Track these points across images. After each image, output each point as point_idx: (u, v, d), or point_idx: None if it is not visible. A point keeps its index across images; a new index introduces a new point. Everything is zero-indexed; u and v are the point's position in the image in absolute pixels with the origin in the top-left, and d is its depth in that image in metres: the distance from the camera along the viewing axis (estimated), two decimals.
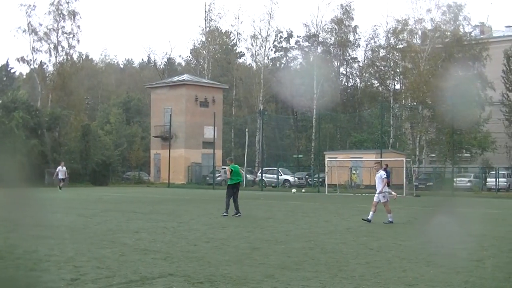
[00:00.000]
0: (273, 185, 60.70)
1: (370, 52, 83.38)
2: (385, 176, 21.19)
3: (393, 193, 41.02)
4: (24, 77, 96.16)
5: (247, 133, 72.28)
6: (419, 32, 68.64)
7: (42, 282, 9.53)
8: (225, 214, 22.65)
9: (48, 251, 12.96)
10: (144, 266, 11.12)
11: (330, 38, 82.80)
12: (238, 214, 22.60)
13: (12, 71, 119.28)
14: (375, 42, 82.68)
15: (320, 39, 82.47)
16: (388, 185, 42.54)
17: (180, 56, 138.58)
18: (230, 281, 9.76)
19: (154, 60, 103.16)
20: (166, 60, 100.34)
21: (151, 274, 10.29)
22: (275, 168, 63.89)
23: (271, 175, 62.39)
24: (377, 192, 20.82)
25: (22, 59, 69.95)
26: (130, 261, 11.68)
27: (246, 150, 71.28)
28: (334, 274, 10.61)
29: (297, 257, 12.54)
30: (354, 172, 56.21)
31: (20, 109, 60.14)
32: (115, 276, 10.07)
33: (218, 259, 12.06)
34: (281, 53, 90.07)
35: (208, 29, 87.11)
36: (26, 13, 67.96)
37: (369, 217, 20.55)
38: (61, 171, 47.29)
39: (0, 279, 9.79)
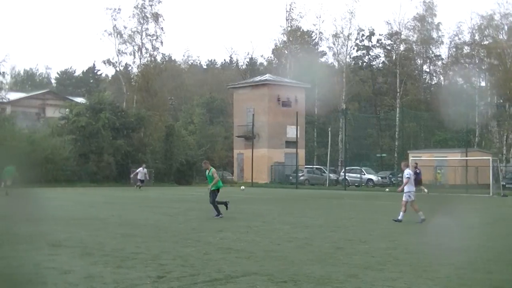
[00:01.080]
0: (356, 184, 60.29)
1: (454, 49, 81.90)
2: (408, 175, 20.86)
3: (425, 190, 40.58)
4: (109, 79, 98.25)
5: (329, 132, 71.99)
6: (506, 28, 66.99)
7: (129, 279, 9.71)
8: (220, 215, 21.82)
9: (135, 249, 13.22)
10: (227, 264, 11.21)
11: (413, 36, 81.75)
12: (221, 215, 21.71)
13: (98, 73, 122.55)
14: (459, 39, 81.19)
15: (402, 36, 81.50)
16: (420, 184, 42.27)
17: (262, 56, 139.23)
18: (313, 281, 9.74)
19: (237, 61, 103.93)
20: (248, 60, 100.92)
21: (234, 273, 10.36)
22: (358, 168, 63.43)
23: (354, 175, 61.99)
24: (404, 191, 20.62)
25: (108, 62, 71.46)
26: (214, 260, 11.79)
27: (329, 149, 71.00)
28: (418, 275, 10.47)
29: (380, 257, 12.43)
30: (438, 171, 55.28)
31: (106, 110, 61.49)
32: (200, 275, 10.18)
33: (301, 259, 12.06)
34: (363, 51, 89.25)
35: (289, 28, 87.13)
36: (112, 16, 69.43)
37: (399, 217, 20.33)
38: (141, 172, 48.25)
39: (89, 274, 10.02)
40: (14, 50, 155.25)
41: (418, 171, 42.70)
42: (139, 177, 48.75)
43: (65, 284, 9.28)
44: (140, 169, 49.20)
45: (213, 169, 22.75)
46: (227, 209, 22.25)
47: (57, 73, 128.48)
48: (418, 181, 42.22)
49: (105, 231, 16.75)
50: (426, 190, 40.20)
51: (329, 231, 17.30)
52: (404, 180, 20.70)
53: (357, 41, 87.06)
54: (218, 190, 22.41)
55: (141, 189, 46.55)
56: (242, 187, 49.87)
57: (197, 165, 68.52)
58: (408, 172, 20.99)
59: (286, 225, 19.11)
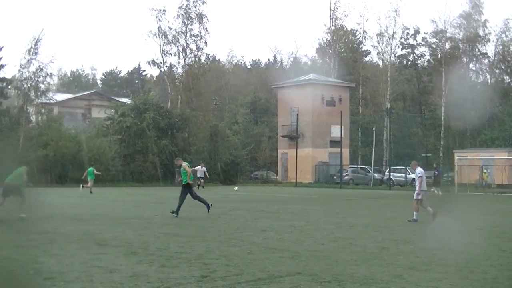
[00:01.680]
0: (401, 184, 59.84)
1: (501, 47, 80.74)
2: (420, 174, 20.95)
3: (439, 192, 40.29)
4: (154, 79, 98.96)
5: (374, 131, 71.60)
6: None
7: (173, 278, 9.78)
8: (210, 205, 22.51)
9: (179, 248, 13.31)
10: (271, 264, 11.22)
11: (459, 34, 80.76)
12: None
13: (143, 74, 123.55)
14: (506, 36, 80.00)
15: (448, 34, 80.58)
16: (439, 185, 42.04)
17: (306, 55, 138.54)
18: (358, 281, 9.71)
19: (281, 60, 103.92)
20: (292, 59, 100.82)
21: (278, 273, 10.36)
22: (403, 167, 62.91)
23: (399, 174, 61.54)
24: (416, 190, 20.73)
25: (153, 62, 71.88)
26: (258, 259, 11.82)
27: (373, 148, 70.62)
28: (464, 276, 10.36)
29: (425, 257, 12.33)
30: (485, 171, 54.59)
31: (151, 110, 62.02)
32: (244, 274, 10.21)
33: (346, 259, 12.03)
34: (408, 50, 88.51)
35: (333, 27, 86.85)
36: (157, 17, 69.93)
37: (414, 217, 20.31)
38: (200, 170, 47.02)
39: (134, 273, 10.13)
40: (60, 52, 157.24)
41: (437, 172, 42.73)
42: (198, 175, 46.97)
43: (111, 283, 9.40)
44: (199, 167, 47.75)
45: (184, 164, 22.64)
46: (174, 212, 21.89)
47: (103, 74, 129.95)
48: (436, 181, 42.32)
49: (149, 231, 16.89)
50: (440, 193, 40.11)
51: (374, 231, 17.22)
52: (418, 180, 20.66)
53: (402, 40, 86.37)
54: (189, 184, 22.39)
55: (204, 188, 45.26)
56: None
57: (242, 165, 68.81)
58: (419, 171, 21.09)
59: (330, 225, 19.08)
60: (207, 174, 48.81)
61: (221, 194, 41.14)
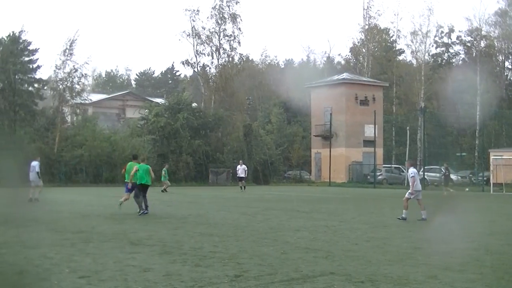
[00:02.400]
0: (435, 184, 59.31)
1: None
2: (413, 174, 20.78)
3: (451, 190, 40.01)
4: (188, 79, 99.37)
5: (408, 131, 71.20)
6: None
7: (206, 278, 9.83)
8: (143, 212, 22.29)
9: (213, 247, 13.36)
10: (305, 264, 11.22)
11: (494, 32, 79.96)
12: (146, 212, 22.18)
13: (177, 74, 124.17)
14: None
15: (483, 33, 79.80)
16: (447, 185, 41.72)
17: (339, 55, 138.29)
18: (392, 281, 9.67)
19: (314, 60, 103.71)
20: (325, 59, 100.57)
21: (312, 273, 10.36)
22: (437, 167, 62.37)
23: (433, 174, 61.02)
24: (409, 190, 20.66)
25: (186, 62, 72.23)
26: (291, 259, 11.82)
27: (407, 148, 70.24)
28: (500, 276, 10.28)
29: (460, 258, 12.23)
30: None
31: (185, 110, 62.28)
32: (277, 274, 10.22)
33: (379, 259, 11.98)
34: (442, 49, 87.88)
35: (367, 26, 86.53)
36: (190, 17, 70.23)
37: (423, 216, 20.24)
38: (241, 169, 46.15)
39: (168, 272, 10.19)
40: (95, 53, 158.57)
41: (447, 172, 42.55)
42: (239, 174, 46.32)
43: (144, 282, 9.47)
44: (238, 166, 47.17)
45: (129, 165, 23.37)
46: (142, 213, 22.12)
47: (137, 74, 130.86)
48: (446, 181, 42.23)
49: (183, 230, 16.98)
50: (450, 190, 40.12)
51: (408, 231, 17.13)
52: (411, 180, 20.58)
53: (436, 38, 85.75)
54: (141, 185, 22.77)
55: (244, 190, 44.45)
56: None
57: (275, 165, 68.77)
58: (412, 171, 20.99)
59: (364, 225, 19.02)
60: (246, 173, 47.65)
61: (255, 194, 41.20)
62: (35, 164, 29.43)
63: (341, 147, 68.60)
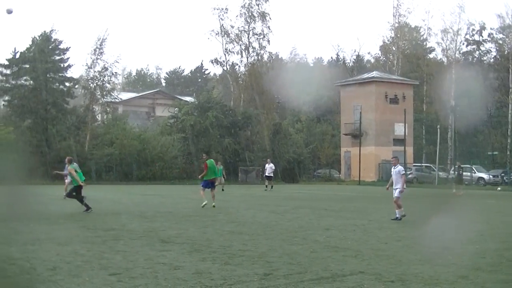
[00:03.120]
0: (466, 183, 58.81)
1: None
2: (403, 172, 20.47)
3: (461, 192, 39.73)
4: (217, 78, 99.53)
5: (438, 129, 70.61)
6: None
7: (236, 276, 9.86)
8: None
9: (242, 246, 13.40)
10: (334, 263, 11.20)
11: None
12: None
13: (206, 72, 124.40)
14: None
15: None
16: (462, 183, 41.38)
17: (369, 53, 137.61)
18: (422, 281, 9.62)
19: (343, 58, 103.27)
20: (355, 57, 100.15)
21: (341, 271, 10.34)
22: (469, 166, 61.87)
23: (464, 173, 60.47)
24: (398, 188, 20.06)
25: (216, 61, 72.41)
26: (321, 258, 11.81)
27: (437, 147, 69.63)
28: None
29: (491, 258, 12.14)
30: None
31: (214, 109, 62.42)
32: (306, 272, 10.22)
33: (409, 258, 11.92)
34: (473, 46, 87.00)
35: (397, 24, 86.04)
36: (219, 16, 70.39)
37: (398, 216, 19.86)
38: (269, 168, 45.28)
39: (198, 270, 10.23)
40: (125, 51, 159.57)
41: (461, 171, 42.29)
42: (267, 173, 45.48)
43: (174, 280, 9.52)
44: (266, 165, 46.11)
45: (70, 168, 23.41)
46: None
47: (166, 73, 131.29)
48: (459, 180, 41.88)
49: (213, 228, 17.03)
50: (461, 192, 39.75)
51: (438, 231, 17.00)
52: (402, 177, 20.17)
53: (467, 36, 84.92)
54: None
55: (272, 188, 43.85)
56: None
57: (304, 163, 68.66)
58: (402, 169, 20.65)
59: (394, 224, 18.94)
60: (273, 172, 46.86)
61: (285, 192, 41.18)
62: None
63: (371, 145, 68.32)
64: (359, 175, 62.73)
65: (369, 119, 68.38)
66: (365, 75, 75.62)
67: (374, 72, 76.06)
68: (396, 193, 20.19)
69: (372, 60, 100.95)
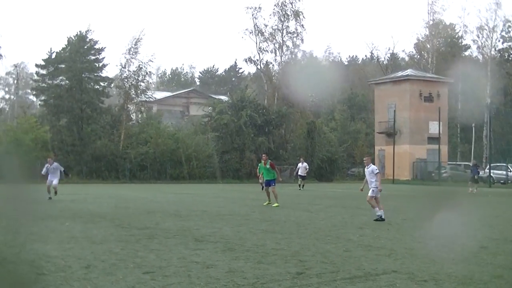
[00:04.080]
0: (501, 181, 58.27)
1: None
2: (378, 171, 20.15)
3: (475, 190, 39.28)
4: (251, 76, 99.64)
5: (473, 127, 70.04)
6: None
7: (269, 275, 9.86)
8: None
9: (275, 245, 13.38)
10: (367, 262, 11.17)
11: None
12: None
13: (240, 71, 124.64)
14: None
15: None
16: (477, 182, 40.84)
17: (403, 51, 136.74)
18: (455, 280, 9.55)
19: (377, 56, 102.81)
20: (389, 55, 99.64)
21: (374, 271, 10.31)
22: (504, 164, 61.22)
23: (499, 172, 59.91)
24: (373, 187, 19.64)
25: (249, 60, 72.51)
26: (354, 257, 11.77)
27: (472, 145, 69.14)
28: None
29: None
30: None
31: (248, 107, 62.48)
32: (339, 271, 10.20)
33: (443, 257, 11.82)
34: (509, 43, 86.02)
35: (431, 22, 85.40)
36: (252, 15, 70.47)
37: (378, 214, 19.34)
38: (302, 167, 44.52)
39: (231, 269, 10.26)
40: (160, 51, 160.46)
41: (477, 169, 41.92)
42: (300, 172, 44.62)
43: (207, 278, 9.56)
44: (299, 164, 45.27)
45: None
46: None
47: (200, 72, 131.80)
48: (474, 179, 41.39)
49: (246, 227, 17.05)
50: (475, 191, 39.35)
51: (473, 229, 16.86)
52: (377, 176, 19.85)
53: (503, 33, 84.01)
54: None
55: (302, 188, 43.08)
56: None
57: (339, 162, 68.48)
58: (375, 167, 20.28)
59: (427, 223, 18.80)
60: (307, 171, 46.27)
61: (318, 191, 41.12)
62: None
63: (405, 144, 67.93)
64: (393, 173, 62.36)
65: (403, 118, 67.98)
66: (400, 73, 75.20)
67: (408, 70, 75.62)
68: (370, 193, 19.83)
69: (407, 58, 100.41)
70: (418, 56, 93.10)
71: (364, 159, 21.28)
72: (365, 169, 20.62)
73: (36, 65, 63.51)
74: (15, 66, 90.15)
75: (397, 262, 11.24)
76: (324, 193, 38.42)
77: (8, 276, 9.69)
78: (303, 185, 43.92)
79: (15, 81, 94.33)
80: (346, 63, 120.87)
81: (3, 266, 10.56)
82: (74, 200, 28.43)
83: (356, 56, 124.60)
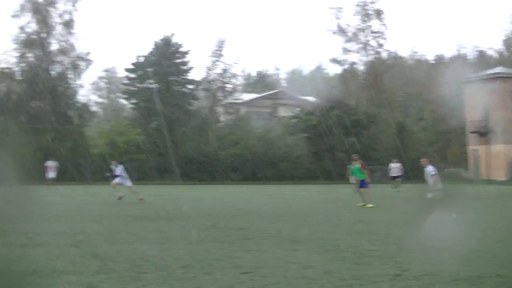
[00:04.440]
0: None
1: None
2: (434, 172, 20.34)
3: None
4: (337, 77, 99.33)
5: None
6: None
7: (366, 276, 9.76)
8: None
9: (371, 246, 13.26)
10: (470, 265, 10.86)
11: None
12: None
13: (325, 71, 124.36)
14: None
15: None
16: None
17: (491, 48, 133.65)
18: None
19: (465, 54, 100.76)
20: (477, 53, 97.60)
21: (477, 273, 10.05)
22: None
23: None
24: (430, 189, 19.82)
25: (334, 60, 72.35)
26: (455, 259, 11.47)
27: None
28: None
29: None
30: None
31: (336, 108, 62.26)
32: (439, 274, 9.96)
33: None
34: None
35: None
36: (335, 15, 70.35)
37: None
38: (394, 168, 44.24)
39: (327, 270, 10.20)
40: (244, 53, 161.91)
41: None
42: (394, 173, 44.11)
43: (304, 279, 9.54)
44: (392, 164, 44.84)
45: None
46: None
47: (286, 73, 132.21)
48: None
49: (341, 228, 16.96)
50: None
51: None
52: (435, 177, 20.35)
53: None
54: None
55: (396, 189, 42.21)
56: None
57: (431, 163, 67.30)
58: (433, 168, 20.82)
59: None
60: (402, 171, 45.35)
61: (413, 192, 40.48)
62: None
63: (499, 143, 66.22)
64: (487, 174, 60.86)
65: (496, 116, 66.34)
66: (489, 71, 73.34)
67: (498, 68, 73.71)
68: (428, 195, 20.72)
69: (496, 56, 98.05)
70: (508, 53, 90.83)
71: (420, 160, 21.47)
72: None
73: (126, 69, 65.06)
74: (106, 70, 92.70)
75: (500, 265, 10.92)
76: (420, 194, 37.79)
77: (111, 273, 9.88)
78: (398, 186, 42.89)
79: (107, 85, 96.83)
80: (433, 62, 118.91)
81: (104, 263, 10.79)
82: (169, 201, 28.89)
83: (443, 54, 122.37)
